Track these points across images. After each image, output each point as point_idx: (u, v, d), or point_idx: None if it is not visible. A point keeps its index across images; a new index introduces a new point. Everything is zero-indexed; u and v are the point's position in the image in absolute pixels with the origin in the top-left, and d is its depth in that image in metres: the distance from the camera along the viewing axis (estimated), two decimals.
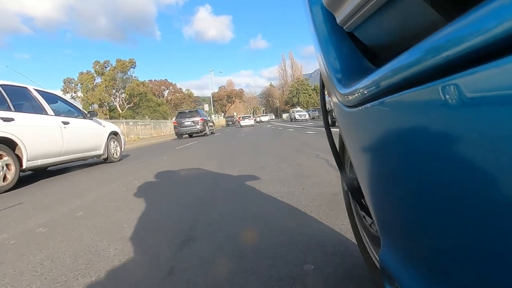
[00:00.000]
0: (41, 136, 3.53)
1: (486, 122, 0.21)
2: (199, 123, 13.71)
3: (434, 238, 0.32)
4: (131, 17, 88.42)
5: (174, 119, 14.86)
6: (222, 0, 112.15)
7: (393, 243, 0.45)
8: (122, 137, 5.78)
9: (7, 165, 3.04)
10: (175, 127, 14.03)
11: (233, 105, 71.52)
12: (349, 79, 0.50)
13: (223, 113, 67.05)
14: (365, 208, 0.74)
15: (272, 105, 73.13)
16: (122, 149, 5.74)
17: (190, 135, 14.36)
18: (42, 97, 3.92)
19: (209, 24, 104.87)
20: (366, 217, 0.77)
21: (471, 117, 0.22)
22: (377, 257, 0.71)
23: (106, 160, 5.19)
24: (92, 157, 4.85)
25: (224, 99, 67.95)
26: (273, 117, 54.43)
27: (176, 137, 14.50)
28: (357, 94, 0.43)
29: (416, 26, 0.37)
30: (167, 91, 51.95)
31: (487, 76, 0.20)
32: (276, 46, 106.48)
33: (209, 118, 16.71)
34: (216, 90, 70.98)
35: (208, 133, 14.80)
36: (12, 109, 3.28)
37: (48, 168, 4.79)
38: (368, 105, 0.40)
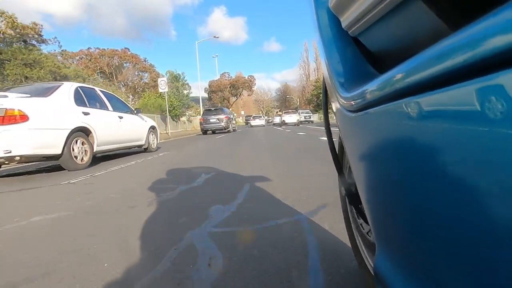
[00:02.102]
0: (105, 127, 4.50)
1: (491, 133, 0.20)
2: (224, 121, 14.62)
3: (430, 247, 0.32)
4: (146, 16, 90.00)
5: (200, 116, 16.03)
6: (237, 2, 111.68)
7: (388, 250, 0.45)
8: (157, 131, 6.75)
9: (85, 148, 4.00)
10: (201, 124, 15.16)
11: (239, 99, 52.89)
12: (352, 84, 0.50)
13: None
14: (361, 214, 0.74)
15: (289, 105, 60.80)
16: (158, 141, 6.71)
17: (213, 132, 15.29)
18: (104, 95, 4.90)
19: (223, 25, 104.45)
20: (363, 224, 0.78)
21: (475, 127, 0.22)
22: (371, 263, 0.71)
23: (146, 150, 6.15)
24: (136, 146, 5.81)
25: (227, 90, 48.47)
26: (311, 116, 29.87)
27: (202, 133, 15.54)
28: (359, 99, 0.44)
29: (421, 34, 0.37)
30: (128, 65, 34.01)
31: (490, 85, 0.20)
32: (290, 49, 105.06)
33: (232, 116, 17.77)
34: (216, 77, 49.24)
35: (231, 130, 15.85)
36: (88, 105, 4.25)
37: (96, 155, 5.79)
38: (369, 110, 0.41)
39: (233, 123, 16.86)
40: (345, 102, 0.50)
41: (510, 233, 0.20)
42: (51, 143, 3.42)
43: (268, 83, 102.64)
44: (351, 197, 0.73)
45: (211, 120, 14.69)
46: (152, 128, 6.39)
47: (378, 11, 0.39)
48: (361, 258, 0.78)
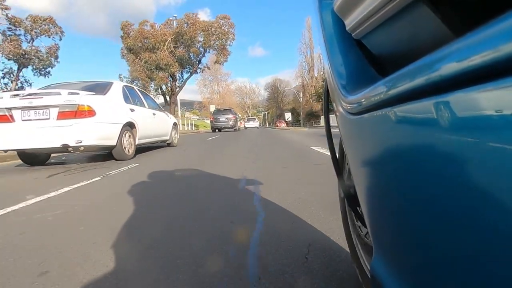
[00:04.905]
0: (145, 123, 4.97)
1: (494, 141, 0.20)
2: (232, 120, 16.15)
3: (427, 250, 0.32)
4: (128, 14, 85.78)
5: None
6: (222, 5, 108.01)
7: (385, 253, 0.46)
8: (178, 127, 7.23)
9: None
10: (211, 122, 16.74)
11: (206, 71, 27.79)
12: (354, 86, 0.50)
13: (169, 103, 23.46)
14: (360, 216, 0.75)
15: (283, 106, 52.14)
16: (178, 137, 7.19)
17: (219, 130, 16.52)
18: (140, 93, 5.36)
19: None
20: (361, 226, 0.78)
21: (477, 134, 0.22)
22: (368, 266, 0.71)
23: (169, 145, 6.61)
24: (161, 141, 6.28)
25: (165, 48, 20.86)
26: None
27: (211, 130, 17.18)
28: (360, 102, 0.44)
29: (424, 39, 0.38)
30: None
31: (495, 92, 0.20)
32: (274, 55, 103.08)
33: (238, 117, 19.68)
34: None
35: (237, 129, 17.50)
36: (132, 102, 4.72)
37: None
38: (370, 114, 0.41)
39: (238, 123, 18.54)
40: (346, 104, 0.51)
41: (506, 239, 0.20)
42: (110, 136, 3.88)
43: (252, 88, 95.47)
44: (350, 199, 0.74)
45: (220, 119, 16.06)
46: (175, 124, 6.86)
47: (382, 14, 0.39)
48: (359, 260, 0.78)
